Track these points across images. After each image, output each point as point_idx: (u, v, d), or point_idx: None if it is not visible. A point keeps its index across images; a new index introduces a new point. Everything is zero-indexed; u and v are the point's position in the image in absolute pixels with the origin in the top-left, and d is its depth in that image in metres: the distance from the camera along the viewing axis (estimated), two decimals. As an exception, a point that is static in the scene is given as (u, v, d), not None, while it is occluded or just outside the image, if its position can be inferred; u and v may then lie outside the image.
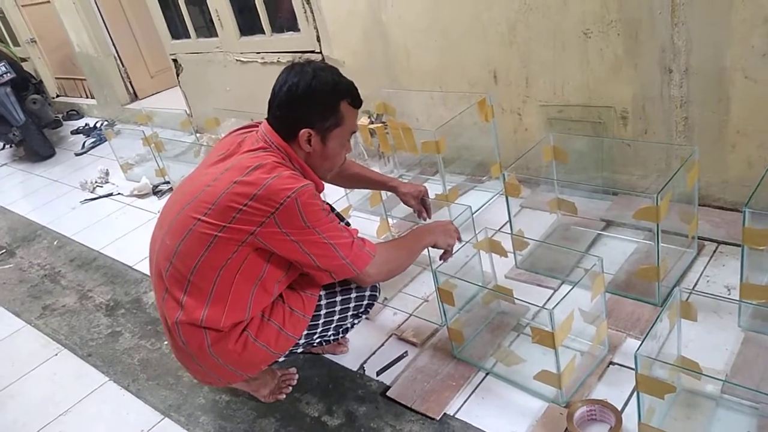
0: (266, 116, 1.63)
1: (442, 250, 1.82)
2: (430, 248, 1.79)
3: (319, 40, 3.20)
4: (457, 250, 1.87)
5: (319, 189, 1.68)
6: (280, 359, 1.69)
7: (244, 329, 1.58)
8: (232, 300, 1.55)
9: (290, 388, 1.88)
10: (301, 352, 1.82)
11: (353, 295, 1.72)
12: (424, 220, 2.11)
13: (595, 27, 2.17)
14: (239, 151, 1.61)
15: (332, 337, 1.79)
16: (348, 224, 2.01)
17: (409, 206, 2.12)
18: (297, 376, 1.92)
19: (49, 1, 5.35)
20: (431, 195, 2.18)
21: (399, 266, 1.71)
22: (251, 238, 1.49)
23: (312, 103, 1.55)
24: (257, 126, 1.68)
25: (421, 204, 2.10)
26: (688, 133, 2.14)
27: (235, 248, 1.51)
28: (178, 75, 4.40)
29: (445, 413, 1.66)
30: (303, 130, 1.56)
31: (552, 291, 2.01)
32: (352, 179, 2.12)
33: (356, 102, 1.63)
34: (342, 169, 1.87)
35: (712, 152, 2.10)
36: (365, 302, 1.76)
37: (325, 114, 1.57)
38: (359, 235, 1.60)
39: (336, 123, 1.59)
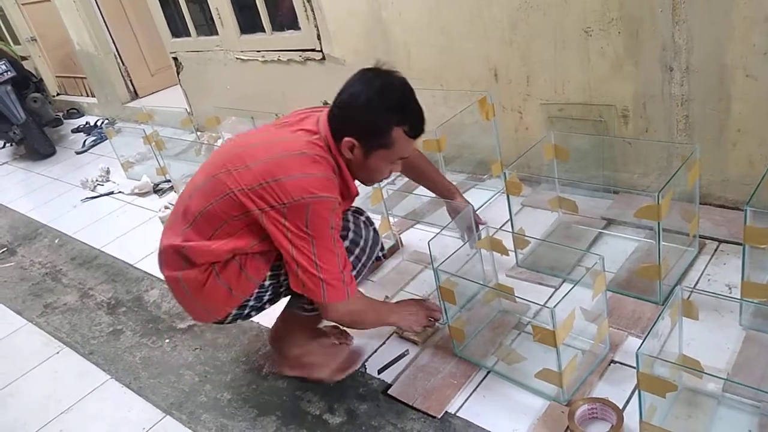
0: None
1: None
2: (429, 247, 1.79)
3: (319, 39, 3.19)
4: (458, 249, 1.88)
5: (353, 194, 1.70)
6: (249, 304, 1.69)
7: (212, 263, 1.63)
8: (224, 247, 1.60)
9: (354, 367, 1.87)
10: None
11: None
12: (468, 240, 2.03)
13: (596, 25, 2.17)
14: (298, 126, 1.65)
15: None
16: (370, 224, 1.92)
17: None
18: (364, 357, 1.91)
19: (49, 0, 5.35)
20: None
21: (362, 323, 1.77)
22: (258, 213, 1.54)
23: (365, 118, 1.55)
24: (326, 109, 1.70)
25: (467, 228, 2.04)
26: (689, 131, 2.14)
27: (240, 212, 1.56)
28: (178, 73, 4.40)
29: (446, 411, 1.66)
30: (348, 138, 1.57)
31: (553, 289, 2.01)
32: (414, 172, 2.14)
33: (414, 131, 1.61)
34: (409, 162, 1.89)
35: (713, 150, 2.10)
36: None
37: (374, 132, 1.57)
38: (351, 275, 1.62)
39: (383, 144, 1.59)
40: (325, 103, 3.15)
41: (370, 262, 1.84)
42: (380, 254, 1.96)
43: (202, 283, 1.64)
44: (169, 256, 1.70)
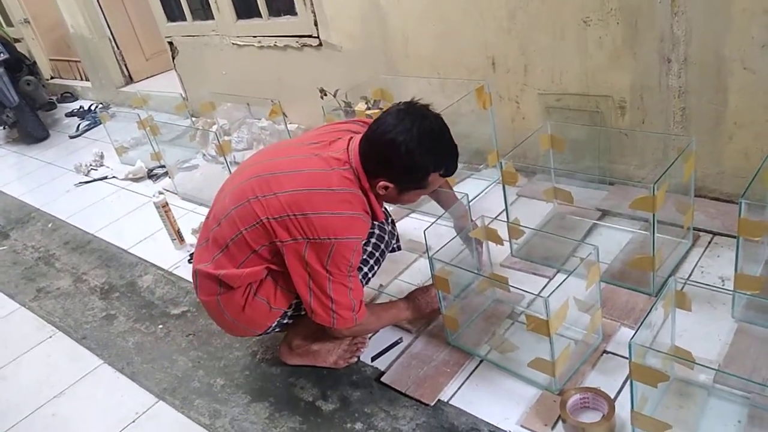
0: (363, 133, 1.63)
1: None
2: (425, 236, 1.80)
3: (316, 24, 3.17)
4: (452, 239, 1.88)
5: (378, 219, 1.71)
6: (288, 315, 1.73)
7: (249, 284, 1.66)
8: (257, 269, 1.63)
9: (361, 351, 1.88)
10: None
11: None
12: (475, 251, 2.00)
13: (595, 15, 2.16)
14: (328, 151, 1.64)
15: None
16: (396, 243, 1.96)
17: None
18: (368, 341, 1.92)
19: (43, -19, 5.29)
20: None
21: (369, 331, 1.88)
22: (279, 244, 1.56)
23: (403, 166, 1.56)
24: (359, 129, 1.70)
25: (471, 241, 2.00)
26: (685, 123, 2.14)
27: (268, 242, 1.58)
28: (173, 58, 4.37)
29: (439, 399, 1.67)
30: (383, 182, 1.58)
31: (547, 279, 2.02)
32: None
33: (449, 173, 1.63)
34: None
35: (709, 143, 2.10)
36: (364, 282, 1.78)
37: (411, 179, 1.60)
38: (361, 300, 1.66)
39: (418, 186, 1.62)
40: (321, 91, 3.15)
41: (387, 254, 1.86)
42: (395, 245, 1.96)
43: (241, 305, 1.67)
44: (204, 281, 1.71)
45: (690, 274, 1.91)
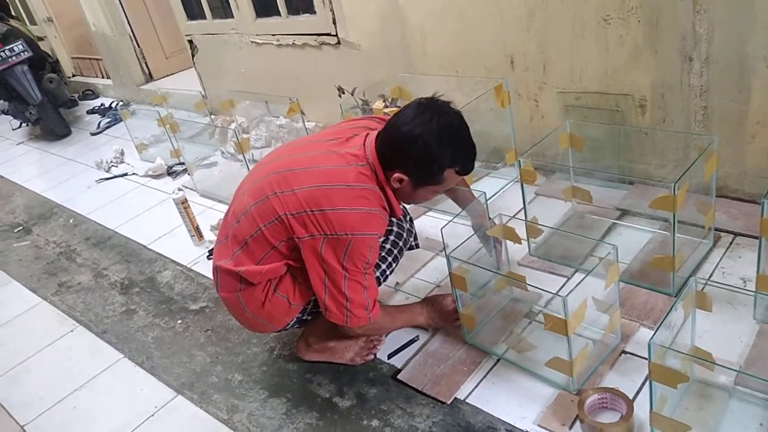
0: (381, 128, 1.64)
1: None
2: (443, 234, 1.79)
3: (335, 23, 3.18)
4: (470, 237, 1.87)
5: (396, 215, 1.71)
6: (307, 311, 1.74)
7: (269, 280, 1.67)
8: (277, 265, 1.64)
9: (378, 348, 1.89)
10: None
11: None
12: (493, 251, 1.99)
13: (615, 13, 2.14)
14: (346, 147, 1.65)
15: None
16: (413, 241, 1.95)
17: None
18: (384, 339, 1.92)
19: (65, -20, 5.36)
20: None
21: (382, 331, 1.88)
22: (297, 239, 1.57)
23: (420, 160, 1.56)
24: (376, 126, 1.71)
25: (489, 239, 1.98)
26: (706, 122, 2.12)
27: (286, 237, 1.59)
28: (193, 56, 4.40)
29: (455, 397, 1.67)
30: (398, 174, 1.59)
31: (565, 279, 2.01)
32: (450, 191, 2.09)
33: (465, 171, 1.63)
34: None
35: (730, 142, 2.08)
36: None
37: (428, 173, 1.60)
38: (375, 299, 1.66)
39: (434, 182, 1.62)
40: (339, 89, 3.16)
41: (404, 251, 1.86)
42: (414, 243, 1.96)
43: (261, 301, 1.68)
44: (224, 277, 1.72)
45: (711, 275, 1.88)
